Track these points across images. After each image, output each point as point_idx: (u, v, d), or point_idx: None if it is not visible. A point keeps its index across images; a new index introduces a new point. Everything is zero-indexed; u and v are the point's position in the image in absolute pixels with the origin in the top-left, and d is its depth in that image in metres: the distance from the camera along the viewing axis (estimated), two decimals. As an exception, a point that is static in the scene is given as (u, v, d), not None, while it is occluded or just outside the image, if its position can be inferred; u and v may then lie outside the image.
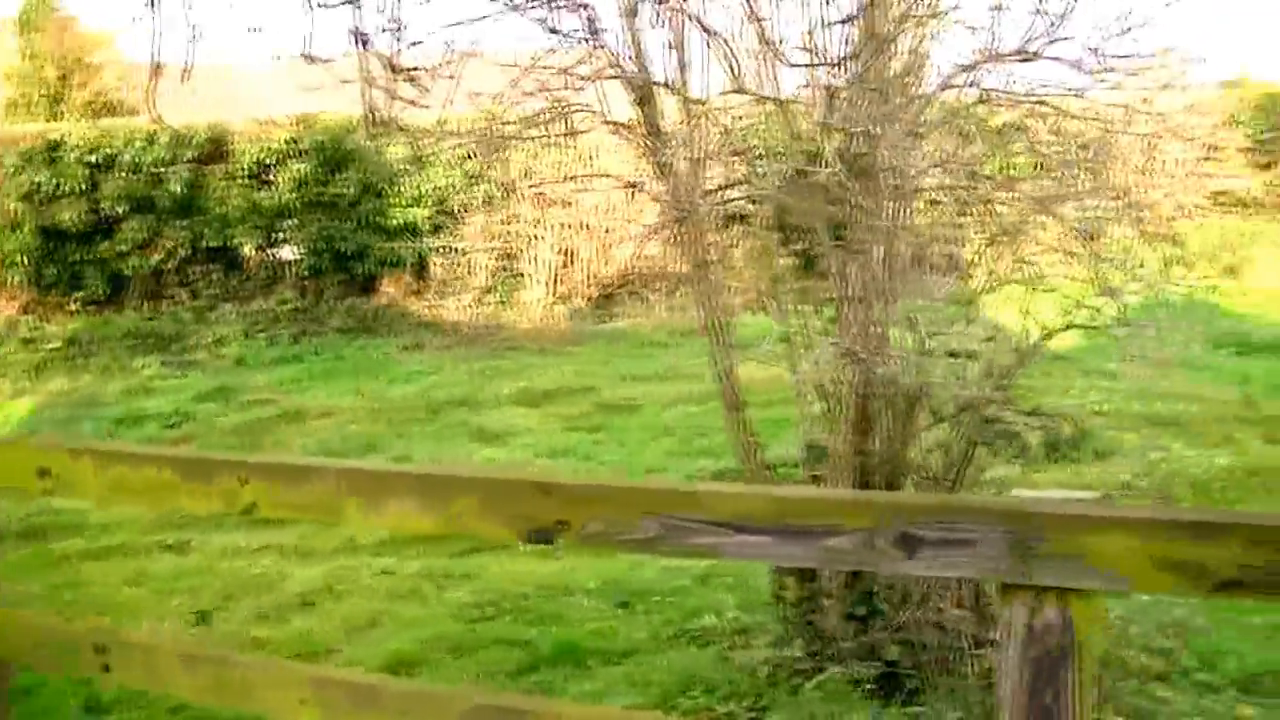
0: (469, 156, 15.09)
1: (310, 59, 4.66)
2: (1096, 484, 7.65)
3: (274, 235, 16.69)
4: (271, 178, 16.53)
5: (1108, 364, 10.75)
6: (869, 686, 4.54)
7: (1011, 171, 5.57)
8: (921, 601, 4.58)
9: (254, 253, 16.82)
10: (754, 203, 4.94)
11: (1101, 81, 4.91)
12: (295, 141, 16.41)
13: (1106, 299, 4.99)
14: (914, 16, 4.63)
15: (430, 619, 6.18)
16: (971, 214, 5.28)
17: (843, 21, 4.55)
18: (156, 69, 4.94)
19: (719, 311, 4.85)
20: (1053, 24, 4.67)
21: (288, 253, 16.88)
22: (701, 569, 6.37)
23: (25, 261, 16.24)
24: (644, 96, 4.80)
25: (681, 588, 6.28)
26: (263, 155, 16.48)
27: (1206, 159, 17.20)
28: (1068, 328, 4.96)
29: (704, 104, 4.81)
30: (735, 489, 2.58)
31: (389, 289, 16.94)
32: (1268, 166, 18.49)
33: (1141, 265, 5.39)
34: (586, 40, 4.77)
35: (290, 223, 16.45)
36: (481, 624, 6.07)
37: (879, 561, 2.16)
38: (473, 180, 16.50)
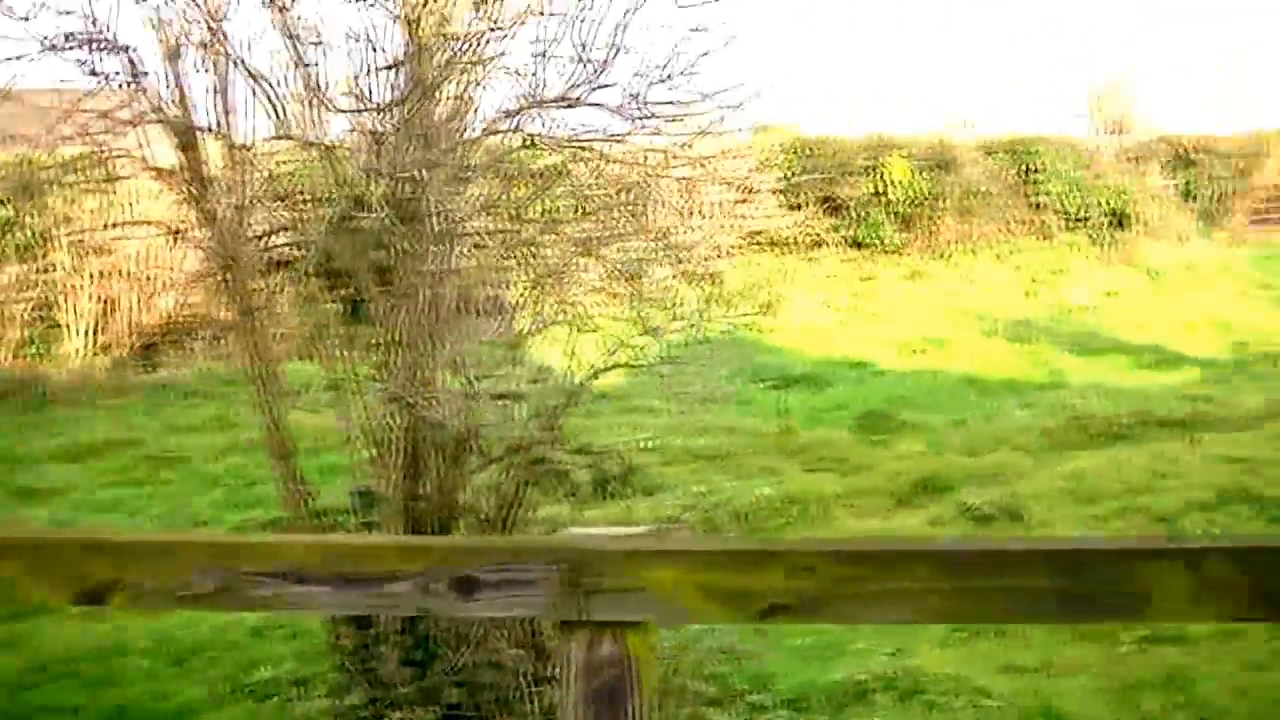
0: (2, 203, 14.24)
1: None
2: (646, 519, 8.21)
3: None
4: None
5: (653, 401, 11.51)
6: (431, 730, 4.69)
7: (555, 214, 5.88)
8: (479, 642, 4.79)
9: None
10: (300, 248, 5.02)
11: (642, 127, 5.31)
12: None
13: (649, 338, 5.39)
14: (459, 63, 4.87)
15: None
16: (517, 257, 5.55)
17: (388, 68, 4.73)
18: None
19: (265, 359, 4.90)
20: (595, 71, 5.02)
21: None
22: (256, 621, 6.38)
23: None
24: (187, 142, 4.82)
25: (237, 641, 6.31)
26: None
27: (742, 201, 18.74)
28: (612, 367, 5.33)
29: (249, 149, 4.86)
30: (290, 539, 2.62)
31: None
32: (798, 207, 20.29)
33: (682, 304, 5.86)
34: (129, 83, 4.72)
35: None
36: (25, 693, 5.83)
37: (437, 606, 2.23)
38: (6, 228, 15.54)
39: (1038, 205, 22.33)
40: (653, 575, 2.02)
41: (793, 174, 19.99)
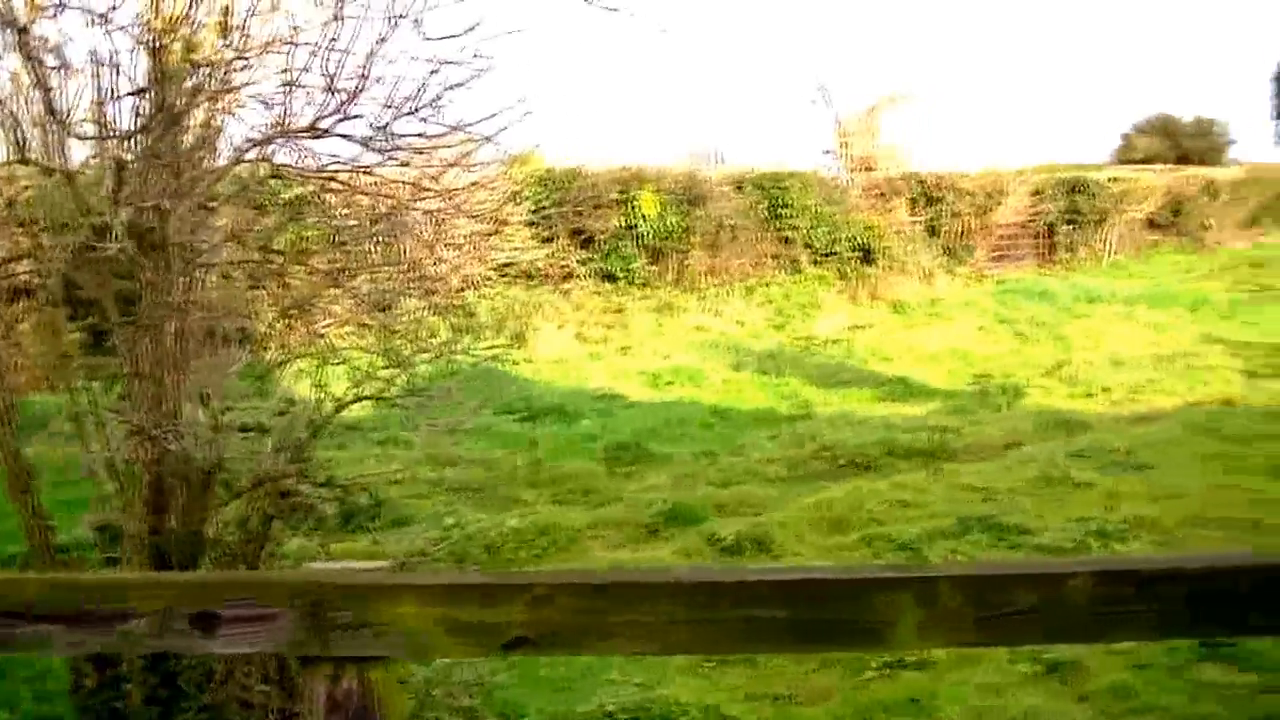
0: None
1: None
2: (394, 552, 8.29)
3: None
4: None
5: (403, 433, 11.58)
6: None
7: (305, 245, 5.91)
8: (226, 679, 4.82)
9: None
10: (41, 277, 4.99)
11: (391, 159, 5.43)
12: None
13: (398, 369, 5.53)
14: (207, 91, 4.92)
15: None
16: (265, 287, 5.60)
17: (133, 94, 4.75)
18: None
19: (4, 390, 4.86)
20: (343, 102, 5.12)
21: None
22: (-3, 660, 6.20)
23: None
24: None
25: (-27, 682, 6.10)
26: None
27: (494, 233, 18.87)
28: (360, 399, 5.44)
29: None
30: (22, 577, 2.59)
31: None
32: (549, 240, 20.57)
33: (432, 336, 6.02)
34: None
35: None
36: None
37: (178, 643, 2.25)
38: None
39: (787, 239, 23.10)
40: (395, 610, 2.09)
41: (544, 206, 20.24)
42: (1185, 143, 43.80)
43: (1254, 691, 6.00)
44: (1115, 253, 29.26)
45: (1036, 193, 28.33)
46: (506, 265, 19.22)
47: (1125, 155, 43.38)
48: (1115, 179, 30.46)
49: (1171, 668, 6.29)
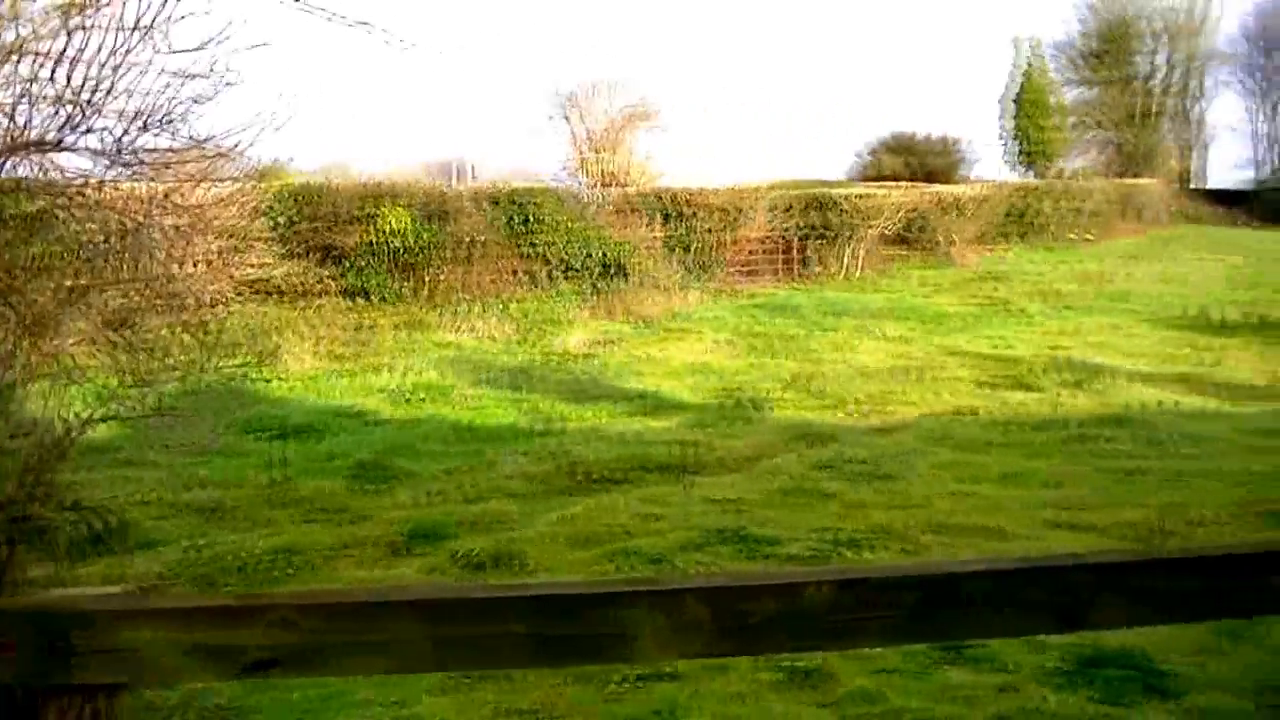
0: None
1: None
2: (139, 576, 8.14)
3: None
4: None
5: (149, 453, 11.33)
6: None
7: (45, 261, 5.78)
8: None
9: None
10: None
11: (133, 173, 5.37)
12: None
13: (144, 388, 5.47)
14: None
15: None
16: (3, 304, 5.46)
17: None
18: None
19: None
20: (81, 114, 5.04)
21: None
22: None
23: None
24: None
25: None
26: None
27: (240, 249, 18.53)
28: (102, 419, 5.35)
29: None
30: None
31: None
32: (297, 256, 20.34)
33: (177, 354, 5.96)
34: None
35: None
36: None
37: None
38: None
39: (536, 255, 23.37)
40: (136, 635, 2.05)
41: (291, 222, 20.05)
42: (925, 160, 45.69)
43: (994, 691, 6.29)
44: (857, 268, 30.27)
45: (782, 209, 29.01)
46: (254, 282, 18.93)
47: (867, 172, 45.04)
48: (858, 195, 31.53)
49: (915, 672, 6.55)
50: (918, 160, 45.27)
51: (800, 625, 2.15)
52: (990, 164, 56.69)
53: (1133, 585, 2.30)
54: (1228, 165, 56.77)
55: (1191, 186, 52.22)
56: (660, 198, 26.96)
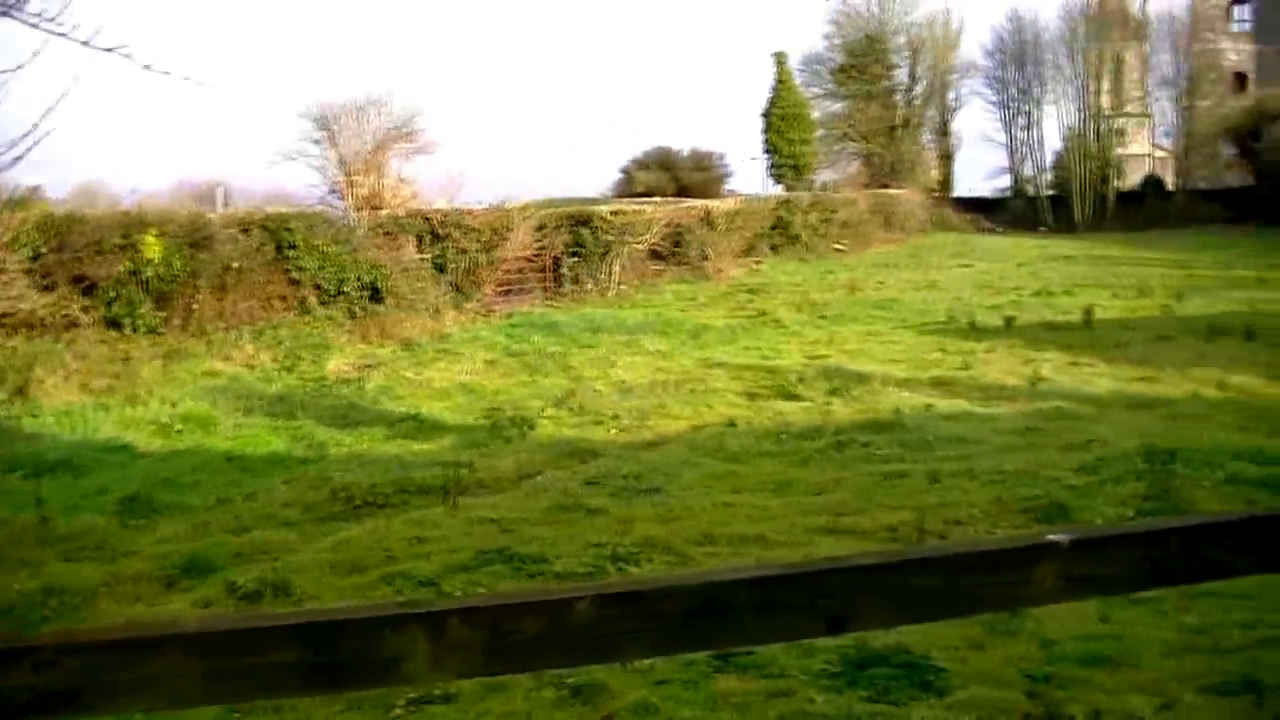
0: None
1: None
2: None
3: None
4: None
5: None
6: None
7: None
8: None
9: None
10: None
11: None
12: None
13: None
14: None
15: None
16: None
17: None
18: None
19: None
20: None
21: None
22: None
23: None
24: None
25: None
26: None
27: (-10, 282, 18.11)
28: None
29: None
30: None
31: None
32: (50, 287, 19.98)
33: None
34: None
35: None
36: None
37: None
38: None
39: (295, 281, 23.41)
40: None
41: (43, 254, 19.75)
42: (684, 175, 46.80)
43: (766, 697, 6.50)
44: (620, 284, 30.92)
45: (541, 227, 29.59)
46: (7, 314, 18.51)
47: (627, 189, 45.87)
48: (618, 212, 32.13)
49: (689, 681, 6.70)
50: (677, 175, 46.34)
51: (566, 642, 2.19)
52: (751, 177, 58.58)
53: (889, 586, 2.40)
54: (981, 174, 59.44)
55: (946, 195, 54.64)
56: (422, 219, 27.27)
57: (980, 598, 2.52)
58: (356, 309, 24.15)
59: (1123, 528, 3.72)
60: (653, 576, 8.04)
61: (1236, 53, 59.82)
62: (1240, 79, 59.07)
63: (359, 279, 24.29)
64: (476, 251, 27.62)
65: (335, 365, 21.43)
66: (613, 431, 15.35)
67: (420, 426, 16.52)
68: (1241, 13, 61.76)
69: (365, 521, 11.09)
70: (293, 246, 23.42)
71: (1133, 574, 2.63)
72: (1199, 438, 12.45)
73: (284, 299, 23.40)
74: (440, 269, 27.03)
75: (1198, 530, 2.70)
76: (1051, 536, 2.46)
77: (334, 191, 28.04)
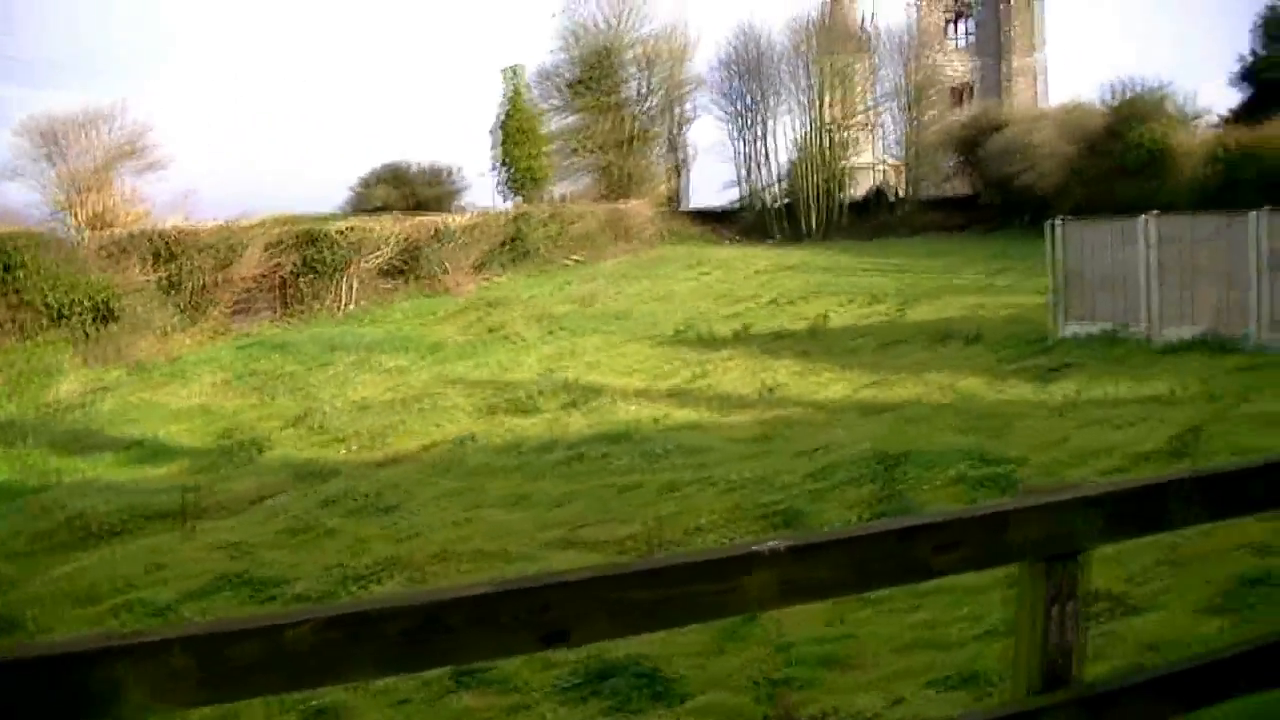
0: None
1: None
2: None
3: None
4: None
5: None
6: None
7: None
8: None
9: None
10: None
11: None
12: None
13: None
14: None
15: None
16: None
17: None
18: None
19: None
20: None
21: None
22: None
23: None
24: None
25: None
26: None
27: None
28: None
29: None
30: None
31: None
32: None
33: None
34: None
35: None
36: None
37: None
38: None
39: (21, 303, 22.81)
40: None
41: None
42: (418, 190, 46.71)
43: (506, 712, 6.57)
44: (354, 301, 30.77)
45: (274, 245, 29.26)
46: None
47: (360, 204, 45.61)
48: (350, 228, 31.93)
49: (429, 700, 6.73)
50: (411, 190, 46.31)
51: (289, 665, 2.18)
52: (484, 192, 58.85)
53: (608, 598, 2.44)
54: (714, 185, 60.67)
55: (679, 207, 55.81)
56: (151, 238, 26.78)
57: (696, 606, 2.60)
58: (87, 330, 23.57)
59: (835, 533, 4.08)
60: (379, 598, 7.83)
61: (955, 68, 63.26)
62: (958, 93, 62.52)
63: (89, 299, 23.73)
64: (208, 270, 27.19)
65: (64, 390, 20.95)
66: (350, 450, 15.46)
67: (155, 450, 16.39)
68: (961, 29, 65.61)
69: (98, 550, 11.07)
70: (16, 267, 22.81)
71: (844, 577, 2.78)
72: (928, 440, 12.76)
73: (10, 322, 22.80)
74: (173, 288, 26.54)
75: (905, 533, 2.88)
76: (757, 546, 2.58)
77: (59, 210, 27.29)
